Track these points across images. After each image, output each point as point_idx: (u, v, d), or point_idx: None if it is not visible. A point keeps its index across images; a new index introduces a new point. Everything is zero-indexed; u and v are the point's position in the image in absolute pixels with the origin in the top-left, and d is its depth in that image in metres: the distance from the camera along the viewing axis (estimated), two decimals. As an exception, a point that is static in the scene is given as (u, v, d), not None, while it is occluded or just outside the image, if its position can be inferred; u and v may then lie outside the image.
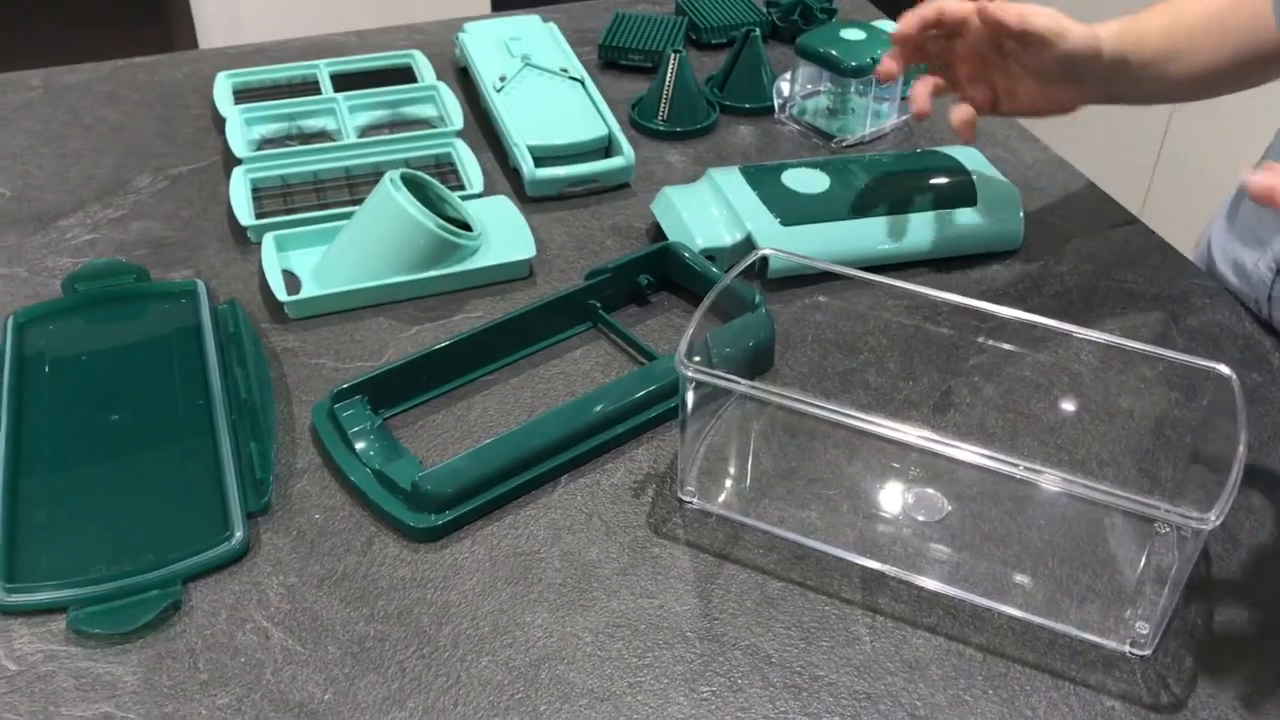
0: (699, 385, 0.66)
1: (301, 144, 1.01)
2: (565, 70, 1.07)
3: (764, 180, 0.90)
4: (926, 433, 0.63)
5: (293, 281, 0.86)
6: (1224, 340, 0.84)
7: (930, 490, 0.71)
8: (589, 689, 0.60)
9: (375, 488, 0.69)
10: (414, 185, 0.87)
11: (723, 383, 0.65)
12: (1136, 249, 0.94)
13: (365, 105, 1.06)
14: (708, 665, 0.61)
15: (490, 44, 1.11)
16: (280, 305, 0.83)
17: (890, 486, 0.72)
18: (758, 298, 0.80)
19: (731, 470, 0.73)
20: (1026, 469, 0.60)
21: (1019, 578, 0.66)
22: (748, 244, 0.87)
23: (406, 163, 0.99)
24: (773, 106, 1.09)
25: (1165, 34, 0.81)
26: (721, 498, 0.70)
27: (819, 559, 0.67)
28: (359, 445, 0.71)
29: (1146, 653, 0.62)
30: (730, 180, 0.90)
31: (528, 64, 1.07)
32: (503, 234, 0.89)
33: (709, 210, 0.89)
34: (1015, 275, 0.90)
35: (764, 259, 0.85)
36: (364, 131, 1.05)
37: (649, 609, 0.64)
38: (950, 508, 0.70)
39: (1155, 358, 0.70)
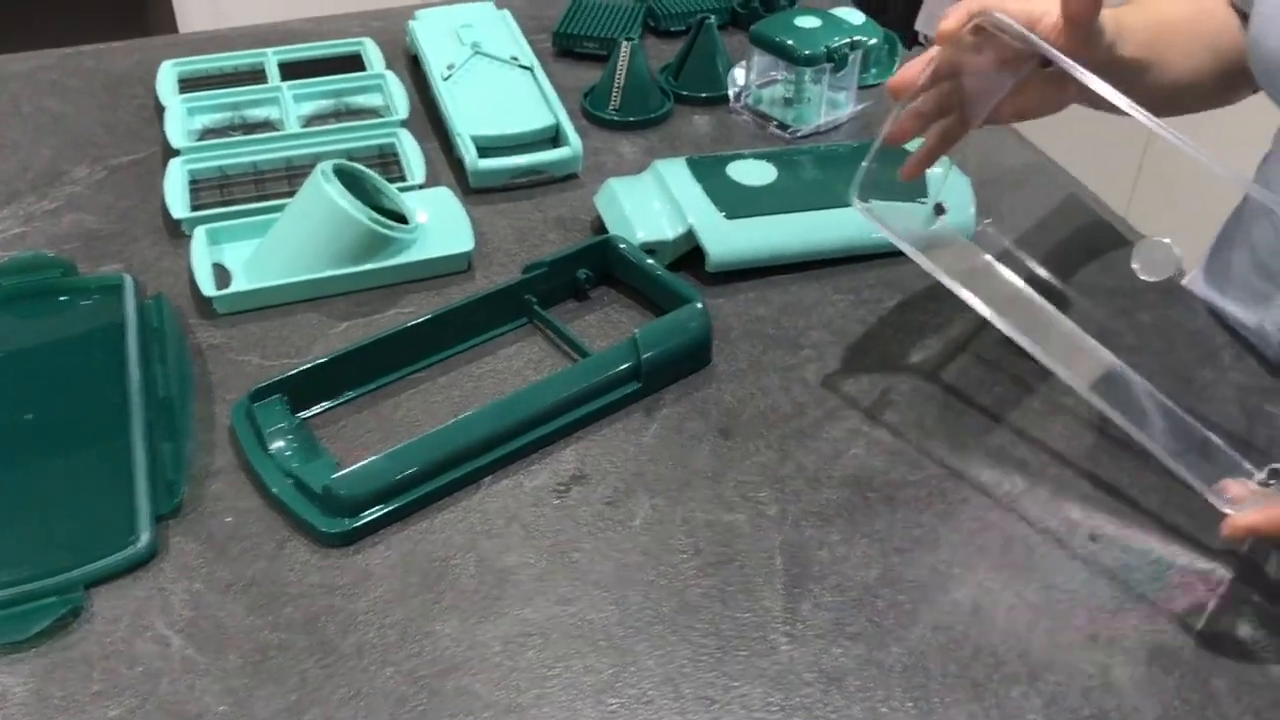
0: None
1: (245, 134, 0.99)
2: (515, 58, 1.04)
3: (709, 172, 0.88)
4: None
5: (226, 276, 0.84)
6: (1175, 337, 0.82)
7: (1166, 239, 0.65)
8: (494, 701, 0.58)
9: (288, 490, 0.67)
10: (349, 177, 0.85)
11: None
12: (1095, 245, 0.91)
13: (310, 94, 1.04)
14: (619, 676, 0.59)
15: (441, 31, 1.08)
16: (210, 300, 0.81)
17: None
18: (692, 293, 0.78)
19: None
20: None
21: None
22: (690, 237, 0.84)
23: (349, 153, 0.97)
24: (728, 96, 1.07)
25: (1147, 33, 0.75)
26: None
27: (743, 563, 0.65)
28: (274, 446, 0.69)
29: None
30: (675, 172, 0.88)
31: (477, 52, 1.05)
32: (441, 227, 0.87)
33: (651, 203, 0.86)
34: (961, 270, 0.88)
35: (704, 252, 0.84)
36: (309, 121, 1.02)
37: (564, 617, 0.62)
38: (1179, 266, 0.64)
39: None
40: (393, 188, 0.87)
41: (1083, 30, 0.66)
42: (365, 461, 0.67)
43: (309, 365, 0.73)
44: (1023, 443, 0.73)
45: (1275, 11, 0.71)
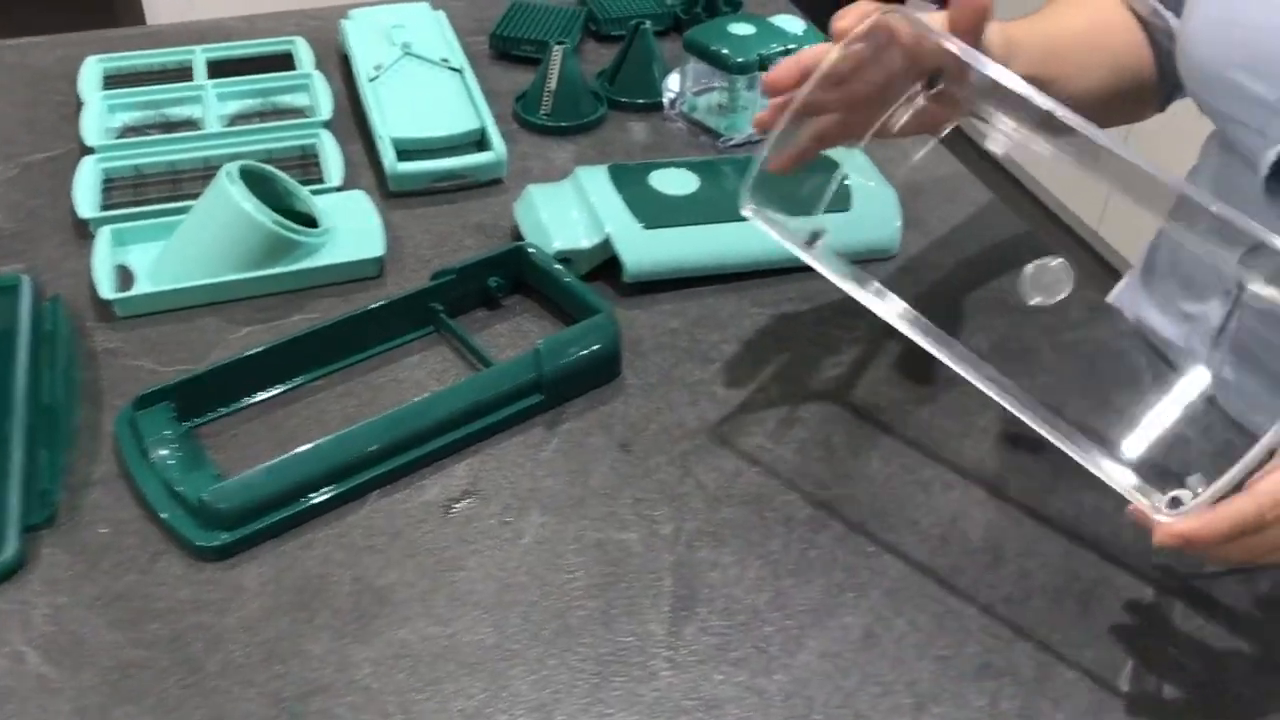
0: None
1: (165, 133, 0.97)
2: (446, 60, 1.02)
3: (630, 181, 0.86)
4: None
5: (131, 278, 0.82)
6: (1097, 357, 0.80)
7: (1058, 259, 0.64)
8: (360, 726, 0.56)
9: (165, 501, 0.65)
10: (259, 179, 0.83)
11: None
12: (1025, 261, 0.89)
13: (236, 93, 1.02)
14: (490, 701, 0.57)
15: (373, 32, 1.06)
16: (110, 303, 0.79)
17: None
18: (601, 303, 0.76)
19: None
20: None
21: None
22: (607, 247, 0.82)
23: (270, 154, 0.95)
24: (663, 103, 1.05)
25: (1039, 50, 0.72)
26: None
27: (630, 584, 0.63)
28: (156, 455, 0.67)
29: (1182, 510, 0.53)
30: (595, 180, 0.86)
31: (407, 53, 1.03)
32: (353, 231, 0.85)
33: (570, 211, 0.85)
34: (883, 282, 0.86)
35: (620, 262, 0.82)
36: (233, 120, 1.00)
37: (439, 638, 0.60)
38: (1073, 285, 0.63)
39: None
40: (304, 190, 0.85)
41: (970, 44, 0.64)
42: (244, 474, 0.65)
43: (197, 372, 0.71)
44: (929, 463, 0.71)
45: (1203, 22, 0.70)
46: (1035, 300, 0.63)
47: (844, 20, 0.61)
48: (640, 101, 1.05)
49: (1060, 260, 0.63)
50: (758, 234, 0.84)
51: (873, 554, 0.65)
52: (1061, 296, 0.63)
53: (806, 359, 0.78)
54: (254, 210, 0.79)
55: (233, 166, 0.80)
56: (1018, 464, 0.71)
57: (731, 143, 1.00)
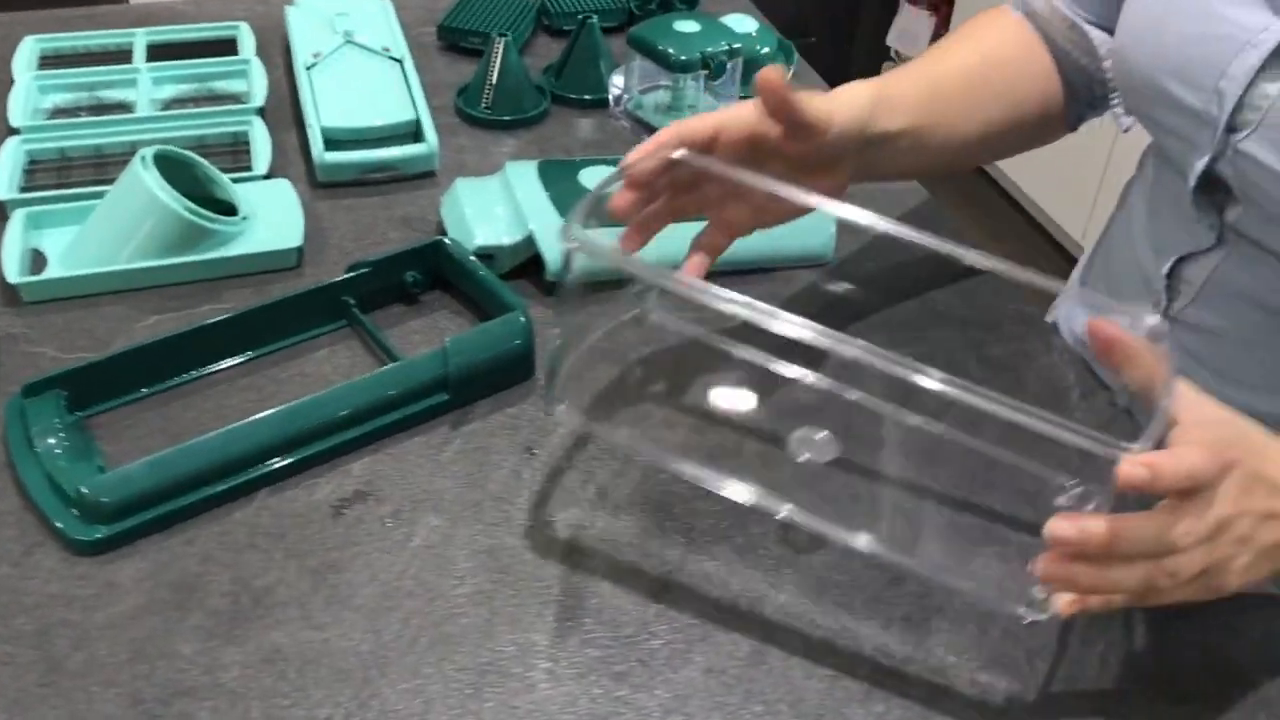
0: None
1: (96, 115, 0.95)
2: (387, 49, 1.01)
3: (559, 177, 0.84)
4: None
5: (44, 262, 0.80)
6: (1024, 371, 0.78)
7: (824, 433, 0.64)
8: (218, 732, 0.54)
9: (45, 492, 0.63)
10: (179, 165, 0.82)
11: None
12: (961, 273, 0.87)
13: (172, 78, 1.00)
14: (357, 710, 0.55)
15: (316, 18, 1.04)
16: (17, 287, 0.77)
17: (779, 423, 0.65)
18: (516, 301, 0.74)
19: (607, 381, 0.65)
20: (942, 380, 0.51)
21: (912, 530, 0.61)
22: (530, 244, 0.81)
23: (201, 139, 0.93)
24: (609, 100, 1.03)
25: (922, 96, 0.71)
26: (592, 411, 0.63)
27: (518, 591, 0.61)
28: (43, 444, 0.65)
29: (1044, 616, 0.54)
30: (523, 176, 0.84)
31: (349, 41, 1.01)
32: (273, 220, 0.83)
33: (494, 207, 0.83)
34: (815, 288, 0.84)
35: (543, 260, 0.80)
36: (168, 105, 0.98)
37: (313, 642, 0.58)
38: (840, 450, 0.63)
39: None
40: (225, 177, 0.83)
41: (799, 129, 0.63)
42: (125, 467, 0.63)
43: (91, 360, 0.69)
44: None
45: (1135, 30, 0.68)
46: (802, 459, 0.64)
47: (640, 163, 0.62)
48: (586, 98, 1.03)
49: (824, 432, 0.64)
50: (687, 236, 0.83)
51: (770, 568, 0.63)
52: (829, 459, 0.63)
53: (722, 362, 0.76)
54: (166, 197, 0.77)
55: (148, 151, 0.79)
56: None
57: (674, 142, 0.98)
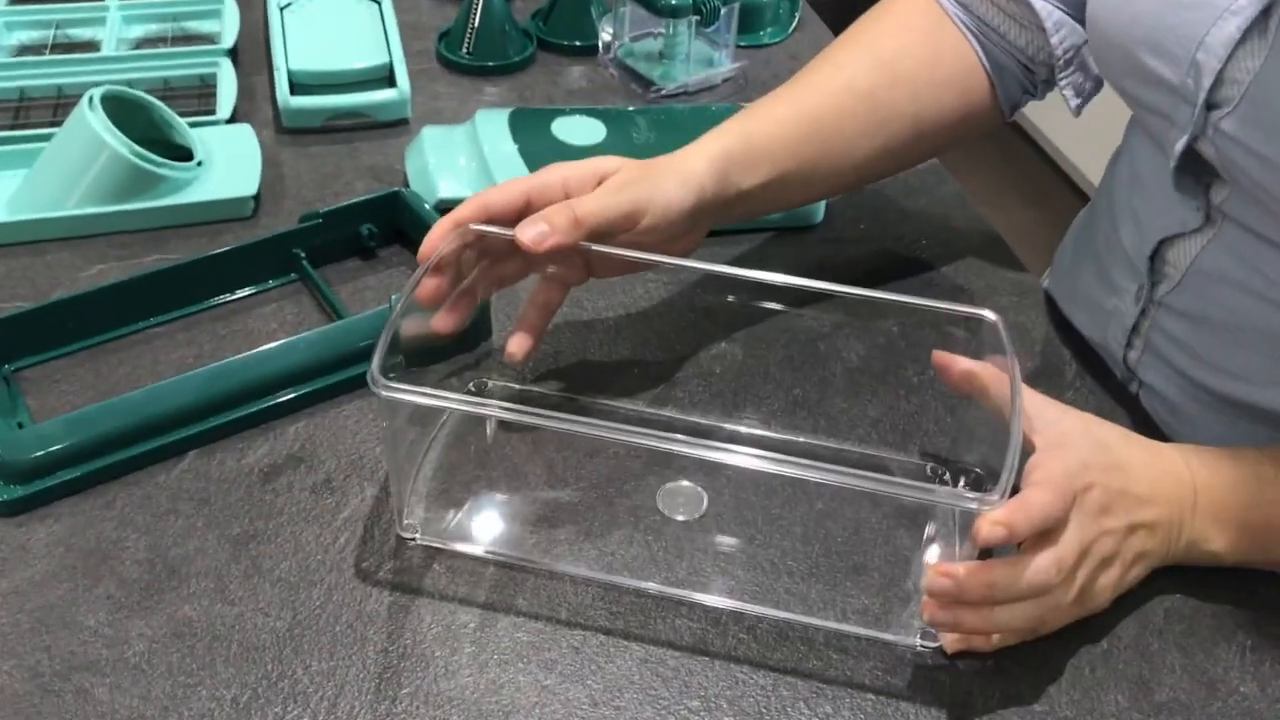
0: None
1: (62, 54, 0.92)
2: (367, -10, 0.96)
3: (530, 128, 0.80)
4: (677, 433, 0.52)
5: (-9, 205, 0.77)
6: (1021, 344, 0.73)
7: (685, 483, 0.62)
8: (113, 709, 0.51)
9: (-41, 450, 0.60)
10: (134, 107, 0.78)
11: (424, 399, 0.53)
12: (961, 242, 0.82)
13: (143, 16, 0.96)
14: (265, 691, 0.52)
15: (297, -43, 1.00)
16: (-41, 231, 0.74)
17: (641, 484, 0.62)
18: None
19: (453, 494, 0.61)
20: (779, 460, 0.51)
21: (786, 578, 0.57)
22: (495, 198, 0.76)
23: (166, 81, 0.89)
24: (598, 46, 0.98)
25: (796, 140, 0.66)
26: (444, 525, 0.59)
27: (448, 567, 0.57)
28: (-38, 398, 0.62)
29: (937, 644, 0.55)
30: (493, 126, 0.80)
31: (327, -20, 0.96)
32: (231, 167, 0.79)
33: (458, 158, 0.78)
34: (798, 251, 0.79)
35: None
36: (139, 44, 0.95)
37: (224, 618, 0.55)
38: (707, 503, 0.61)
39: (913, 309, 0.61)
40: (182, 121, 0.79)
41: (601, 238, 0.59)
42: (42, 425, 0.60)
43: (20, 311, 0.65)
44: (838, 405, 0.65)
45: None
46: (680, 517, 0.60)
47: (429, 241, 0.59)
48: (575, 44, 0.98)
49: (688, 483, 0.61)
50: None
51: (720, 552, 0.59)
52: (700, 513, 0.61)
53: (689, 329, 0.72)
54: (113, 140, 0.73)
55: (96, 92, 0.75)
56: (905, 460, 0.65)
57: (663, 93, 0.93)
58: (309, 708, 0.51)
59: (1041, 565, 0.51)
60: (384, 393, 0.52)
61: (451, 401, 0.54)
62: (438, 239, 0.59)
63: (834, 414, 0.67)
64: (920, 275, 0.78)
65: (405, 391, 0.52)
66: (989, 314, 0.58)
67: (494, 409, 0.60)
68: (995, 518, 0.49)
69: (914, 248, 0.80)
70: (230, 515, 0.59)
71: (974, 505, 0.49)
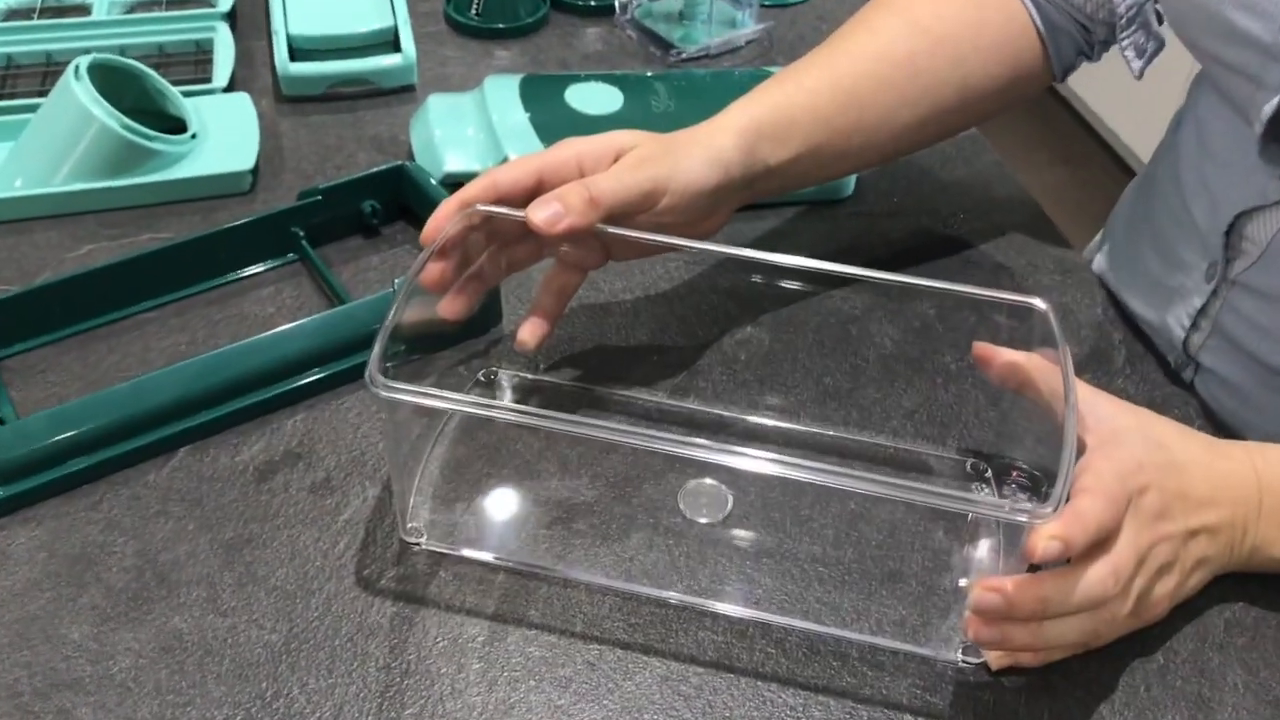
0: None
1: (51, 18, 0.87)
2: (371, -52, 0.91)
3: (542, 96, 0.75)
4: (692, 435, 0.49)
5: (-25, 181, 0.73)
6: (1066, 326, 0.68)
7: (708, 481, 0.58)
8: (99, 733, 0.47)
9: (-65, 448, 0.56)
10: (125, 75, 0.74)
11: (426, 400, 0.49)
12: (1000, 215, 0.77)
13: (137, -23, 0.91)
14: (259, 711, 0.48)
15: (297, -86, 0.95)
16: (-58, 209, 0.70)
17: (661, 483, 0.58)
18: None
19: (460, 494, 0.58)
20: (808, 467, 0.47)
21: (817, 586, 0.53)
22: (505, 171, 0.72)
23: (161, 47, 0.85)
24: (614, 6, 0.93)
25: (830, 110, 0.61)
26: (451, 528, 0.56)
27: (455, 575, 0.54)
28: (-60, 391, 0.58)
29: (980, 659, 0.51)
30: (503, 93, 0.75)
31: (330, -61, 0.91)
32: (227, 139, 0.75)
33: (466, 129, 0.74)
34: (827, 227, 0.75)
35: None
36: (133, 9, 0.90)
37: (217, 630, 0.51)
38: (732, 504, 0.56)
39: (959, 297, 0.56)
40: (175, 91, 0.75)
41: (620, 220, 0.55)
42: (24, 420, 0.56)
43: (4, 296, 0.62)
44: (874, 396, 0.61)
45: None
46: (702, 520, 0.56)
47: (431, 223, 0.55)
48: (591, 4, 0.93)
49: (712, 482, 0.57)
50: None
51: (747, 557, 0.55)
52: (724, 514, 0.56)
53: (712, 312, 0.67)
54: (101, 112, 0.69)
55: (82, 60, 0.71)
56: (944, 455, 0.60)
57: (682, 56, 0.88)
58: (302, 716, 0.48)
59: (1097, 577, 0.47)
60: (383, 393, 0.48)
61: (454, 402, 0.50)
62: (443, 220, 0.55)
63: (866, 404, 0.63)
64: (959, 253, 0.73)
65: (406, 392, 0.48)
66: (1039, 302, 0.53)
67: (499, 409, 0.55)
68: (1051, 532, 0.44)
69: (951, 222, 0.76)
70: (223, 517, 0.56)
71: (1024, 519, 0.45)
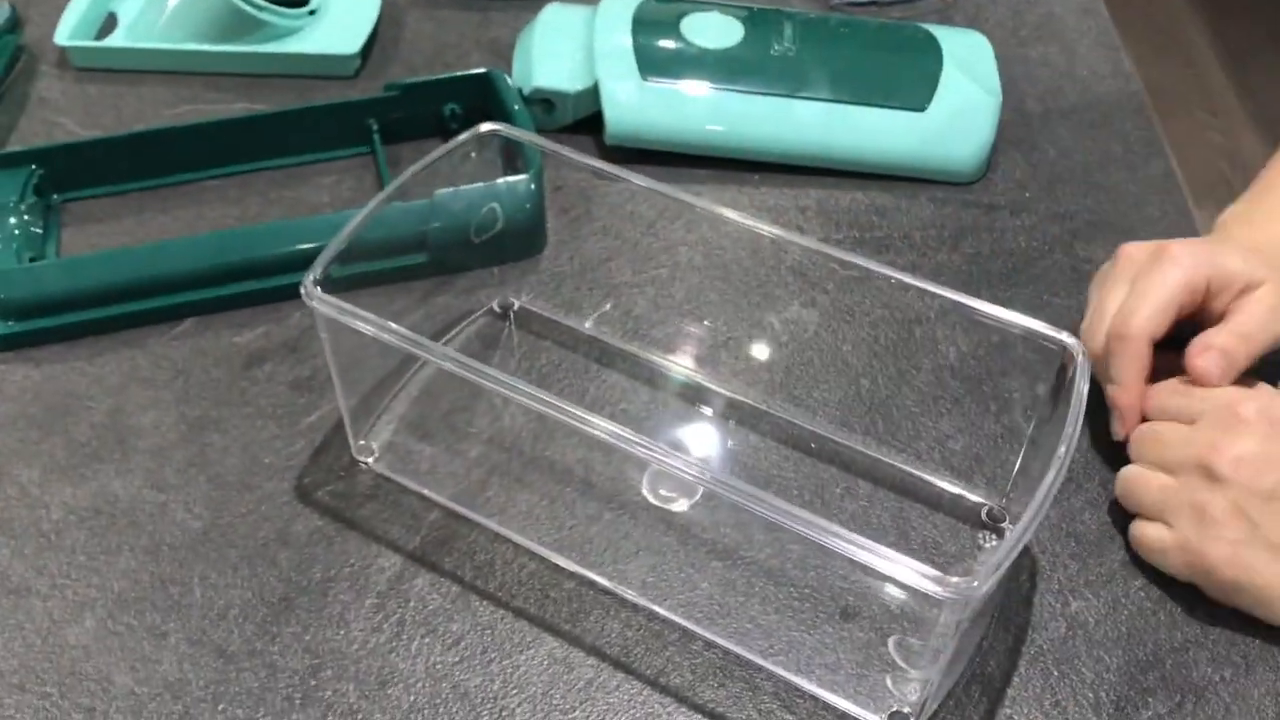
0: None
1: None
2: None
3: (655, 22, 0.70)
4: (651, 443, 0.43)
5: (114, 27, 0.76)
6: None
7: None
8: (7, 574, 0.49)
9: (-33, 275, 0.59)
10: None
11: (365, 327, 0.46)
12: (1147, 234, 0.67)
13: None
14: (155, 594, 0.48)
15: None
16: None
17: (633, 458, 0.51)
18: (533, 157, 0.62)
19: (426, 424, 0.56)
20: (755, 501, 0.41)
21: (757, 604, 0.49)
22: (594, 95, 0.68)
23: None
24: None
25: None
26: (405, 459, 0.54)
27: (397, 500, 0.52)
28: (-5, 221, 0.61)
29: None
30: (614, 15, 0.70)
31: None
32: (343, 20, 0.74)
33: (566, 46, 0.70)
34: (937, 212, 0.66)
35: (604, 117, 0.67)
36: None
37: (149, 504, 0.51)
38: (701, 494, 0.52)
39: (993, 324, 0.50)
40: (307, -36, 0.75)
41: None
42: (40, 264, 0.58)
43: (72, 142, 0.64)
44: (882, 411, 0.54)
45: None
46: (662, 504, 0.51)
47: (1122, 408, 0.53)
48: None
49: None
50: (787, 117, 0.68)
51: (702, 559, 0.50)
52: (691, 503, 0.51)
53: (766, 285, 0.61)
54: (215, -25, 0.70)
55: (217, -76, 0.71)
56: (963, 493, 0.53)
57: (847, 0, 0.80)
58: (186, 623, 0.47)
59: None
60: (316, 305, 0.46)
61: (391, 336, 0.47)
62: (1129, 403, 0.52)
63: (897, 418, 0.56)
64: (1079, 268, 0.63)
65: (336, 309, 0.46)
66: (1067, 338, 0.46)
67: (450, 362, 0.48)
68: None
69: (1083, 233, 0.66)
70: (199, 395, 0.56)
71: (934, 588, 0.38)
